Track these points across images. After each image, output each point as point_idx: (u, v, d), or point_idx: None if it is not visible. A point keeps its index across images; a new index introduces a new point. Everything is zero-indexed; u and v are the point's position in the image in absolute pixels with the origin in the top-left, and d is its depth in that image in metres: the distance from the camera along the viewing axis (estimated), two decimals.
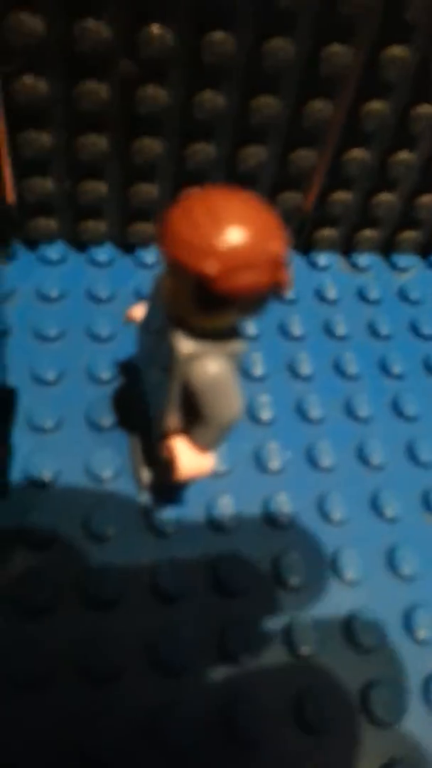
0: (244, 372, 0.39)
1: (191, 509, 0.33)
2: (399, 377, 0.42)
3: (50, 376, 0.36)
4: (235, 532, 0.33)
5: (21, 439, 0.33)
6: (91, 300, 0.40)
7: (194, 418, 0.26)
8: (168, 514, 0.32)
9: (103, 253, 0.42)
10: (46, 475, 0.32)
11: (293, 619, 0.31)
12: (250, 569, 0.32)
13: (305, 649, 0.30)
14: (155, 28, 0.30)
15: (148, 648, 0.29)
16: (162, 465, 0.30)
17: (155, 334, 0.28)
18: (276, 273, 0.22)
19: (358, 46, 0.33)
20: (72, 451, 0.34)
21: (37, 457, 0.33)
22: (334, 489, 0.36)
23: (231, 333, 0.25)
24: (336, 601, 0.32)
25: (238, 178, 0.39)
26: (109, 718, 0.27)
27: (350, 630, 0.31)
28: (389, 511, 0.35)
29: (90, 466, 0.33)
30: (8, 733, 0.26)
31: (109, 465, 0.33)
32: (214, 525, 0.33)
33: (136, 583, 0.30)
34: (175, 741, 0.27)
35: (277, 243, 0.22)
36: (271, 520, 0.34)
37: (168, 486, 0.32)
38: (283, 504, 0.34)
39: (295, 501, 0.34)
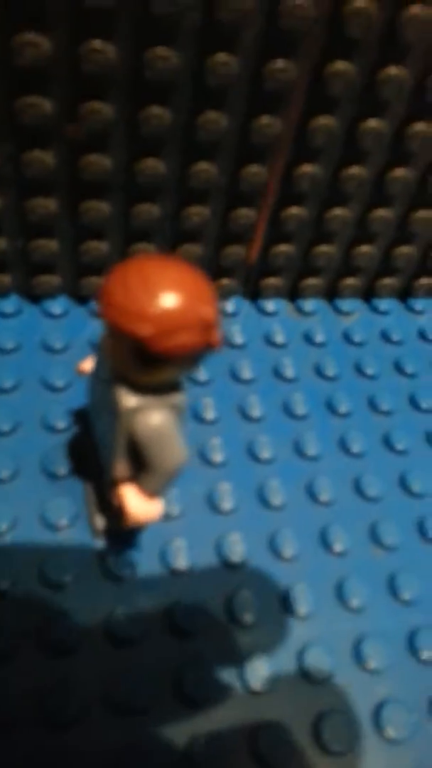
0: (196, 415, 0.41)
1: (146, 553, 0.34)
2: (345, 416, 0.44)
3: (5, 426, 0.37)
4: (189, 574, 0.34)
5: None
6: (46, 351, 0.42)
7: (141, 466, 0.28)
8: (123, 559, 0.33)
9: (57, 305, 0.44)
10: (2, 525, 0.33)
11: (247, 656, 0.32)
12: (204, 610, 0.33)
13: (258, 686, 0.31)
14: (96, 104, 0.32)
15: (107, 692, 0.30)
16: (114, 511, 0.32)
17: (103, 384, 0.29)
18: (207, 333, 0.24)
19: (286, 117, 0.36)
20: (28, 500, 0.35)
21: None
22: (285, 526, 0.37)
23: (172, 387, 0.27)
24: (288, 636, 0.33)
25: (183, 234, 0.41)
26: (70, 764, 0.28)
27: (302, 663, 0.32)
28: (338, 546, 0.37)
29: (45, 515, 0.34)
30: None
31: (65, 513, 0.34)
32: (168, 568, 0.34)
33: (93, 628, 0.31)
34: None
35: (208, 307, 0.24)
36: (224, 560, 0.35)
37: (121, 531, 0.33)
38: (236, 543, 0.36)
39: (247, 540, 0.36)
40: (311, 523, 0.38)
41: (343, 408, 0.44)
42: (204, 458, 0.39)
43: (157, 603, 0.33)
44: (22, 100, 0.31)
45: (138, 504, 0.28)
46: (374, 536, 0.38)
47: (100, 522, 0.34)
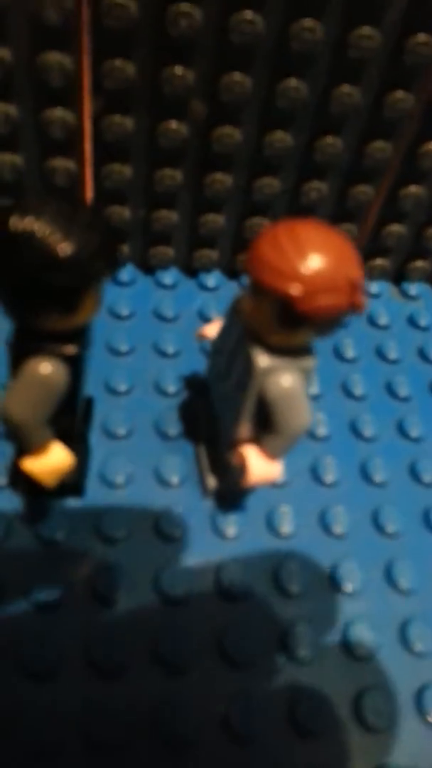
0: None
1: (252, 517, 0.35)
2: None
3: (122, 387, 0.39)
4: (293, 539, 0.35)
5: (97, 444, 0.36)
6: (159, 319, 0.44)
7: (266, 427, 0.29)
8: (231, 519, 0.34)
9: (169, 276, 0.46)
10: (120, 478, 0.35)
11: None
12: (306, 575, 0.34)
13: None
14: (236, 76, 0.33)
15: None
16: (230, 472, 0.33)
17: (229, 351, 0.30)
18: (353, 296, 0.24)
19: (419, 91, 0.35)
20: (142, 457, 0.36)
21: (111, 462, 0.35)
22: (386, 503, 0.37)
23: (304, 350, 0.27)
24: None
25: (299, 210, 0.41)
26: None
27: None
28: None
29: (159, 472, 0.36)
30: None
31: (177, 471, 0.36)
32: (275, 532, 0.35)
33: (202, 580, 0.32)
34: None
35: (355, 269, 0.24)
36: (327, 530, 0.35)
37: (235, 492, 0.34)
38: (339, 515, 0.36)
39: (350, 513, 0.36)
40: (414, 504, 0.38)
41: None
42: (309, 433, 0.39)
43: (262, 564, 0.33)
44: (167, 70, 0.32)
45: (260, 464, 0.29)
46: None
47: (212, 482, 0.35)
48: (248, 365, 0.28)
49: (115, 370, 0.40)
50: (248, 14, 0.31)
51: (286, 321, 0.25)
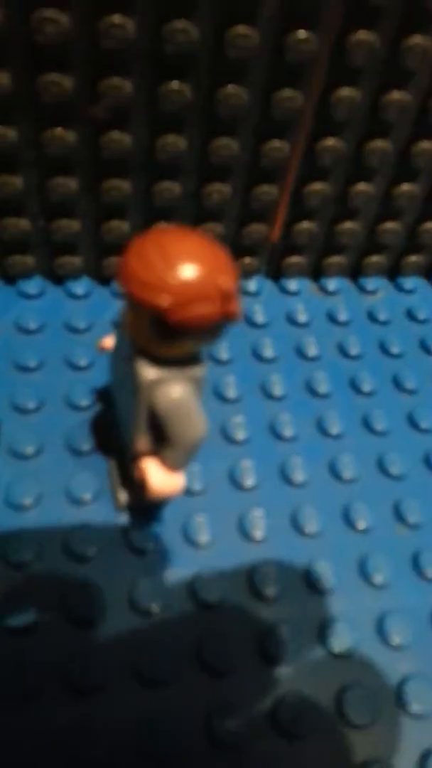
0: (218, 394, 0.41)
1: (168, 528, 0.34)
2: (369, 394, 0.43)
3: (30, 405, 0.38)
4: (211, 548, 0.34)
5: (2, 466, 0.35)
6: (70, 331, 0.42)
7: (162, 439, 0.28)
8: (146, 533, 0.34)
9: (80, 285, 0.45)
10: (27, 499, 0.34)
11: (268, 629, 0.32)
12: (226, 583, 0.33)
13: (279, 657, 0.31)
14: (116, 80, 0.32)
15: (130, 662, 0.30)
16: (136, 485, 0.32)
17: (124, 361, 0.29)
18: (226, 305, 0.24)
19: (307, 90, 0.35)
20: (53, 475, 0.35)
21: (18, 484, 0.34)
22: (307, 503, 0.37)
23: (191, 359, 0.27)
24: (310, 610, 0.33)
25: (204, 213, 0.41)
26: (93, 731, 0.28)
27: (325, 637, 0.32)
28: (361, 523, 0.37)
29: (70, 490, 0.35)
30: None
31: (89, 488, 0.35)
32: (191, 542, 0.34)
33: (116, 600, 0.32)
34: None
35: (226, 277, 0.24)
36: (246, 536, 0.35)
37: (144, 505, 0.34)
38: (258, 519, 0.36)
39: (269, 517, 0.36)
40: (334, 501, 0.38)
41: (366, 387, 0.44)
42: (226, 436, 0.39)
43: (180, 576, 0.33)
44: (43, 77, 0.31)
45: (160, 477, 0.29)
46: (398, 514, 0.38)
47: (123, 496, 0.34)
48: (136, 378, 0.27)
49: (22, 387, 0.39)
50: (117, 18, 0.30)
51: (163, 332, 0.24)
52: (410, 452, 0.41)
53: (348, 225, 0.45)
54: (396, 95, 0.37)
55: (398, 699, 0.31)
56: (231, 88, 0.34)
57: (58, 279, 0.44)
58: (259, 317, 0.46)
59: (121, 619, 0.31)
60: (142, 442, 0.29)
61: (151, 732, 0.28)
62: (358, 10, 0.32)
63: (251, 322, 0.46)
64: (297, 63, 0.34)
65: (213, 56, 0.33)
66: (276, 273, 0.48)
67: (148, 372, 0.26)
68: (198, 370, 0.27)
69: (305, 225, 0.44)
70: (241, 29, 0.31)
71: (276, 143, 0.37)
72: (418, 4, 0.32)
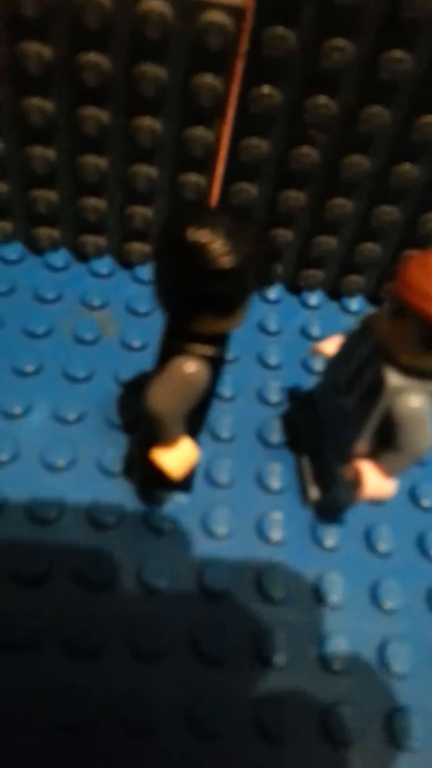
0: None
1: (351, 531, 0.36)
2: None
3: (227, 393, 0.41)
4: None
5: (204, 446, 0.38)
6: (262, 332, 0.45)
7: (386, 445, 0.30)
8: (330, 531, 0.35)
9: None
10: (225, 479, 0.36)
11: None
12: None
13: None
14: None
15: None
16: (337, 485, 0.34)
17: (356, 368, 0.31)
18: None
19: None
20: (245, 460, 0.38)
21: (216, 463, 0.37)
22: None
23: None
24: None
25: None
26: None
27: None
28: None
29: (261, 477, 0.37)
30: None
31: (278, 477, 0.37)
32: (373, 548, 0.35)
33: (301, 584, 0.33)
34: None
35: None
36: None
37: (334, 505, 0.35)
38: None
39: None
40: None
41: None
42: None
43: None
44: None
45: (376, 481, 0.30)
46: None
47: (314, 493, 0.36)
48: (378, 383, 0.29)
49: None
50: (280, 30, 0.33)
51: (427, 343, 0.26)
52: None
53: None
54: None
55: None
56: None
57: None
58: None
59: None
60: (363, 444, 0.31)
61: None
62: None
63: None
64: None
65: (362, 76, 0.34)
66: None
67: (394, 378, 0.28)
68: None
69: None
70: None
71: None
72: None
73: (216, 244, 0.23)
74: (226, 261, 0.23)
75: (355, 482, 0.31)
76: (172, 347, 0.27)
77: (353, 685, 0.32)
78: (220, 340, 0.27)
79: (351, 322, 0.46)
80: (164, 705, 0.30)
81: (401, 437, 0.29)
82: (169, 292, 0.26)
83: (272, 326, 0.45)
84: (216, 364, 0.27)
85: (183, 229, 0.23)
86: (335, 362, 0.34)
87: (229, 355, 0.42)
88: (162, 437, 0.29)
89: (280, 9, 0.32)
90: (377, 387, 0.29)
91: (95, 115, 0.37)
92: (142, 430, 0.35)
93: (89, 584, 0.32)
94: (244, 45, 0.34)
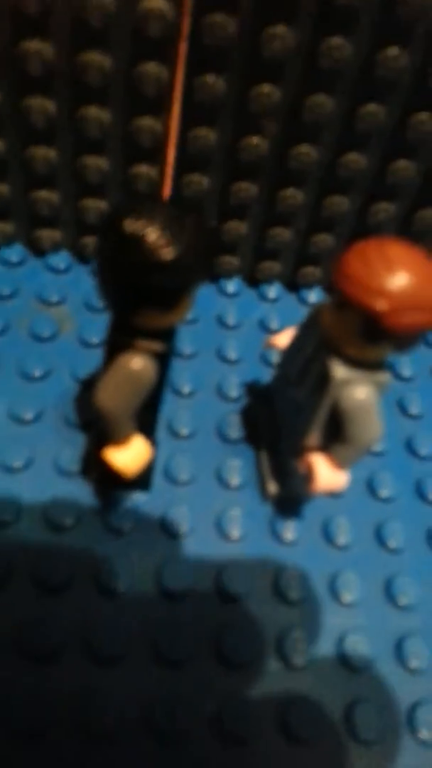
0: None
1: (308, 523, 0.36)
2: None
3: (186, 389, 0.40)
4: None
5: (163, 443, 0.37)
6: (221, 326, 0.45)
7: (336, 437, 0.29)
8: (289, 524, 0.35)
9: (232, 285, 0.47)
10: (183, 476, 0.36)
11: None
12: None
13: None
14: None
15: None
16: (293, 478, 0.34)
17: (304, 360, 0.31)
18: None
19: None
20: (204, 457, 0.37)
21: (175, 460, 0.37)
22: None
23: (379, 365, 0.28)
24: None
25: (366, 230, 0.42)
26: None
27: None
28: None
29: (220, 473, 0.37)
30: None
31: (238, 473, 0.37)
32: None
33: (260, 581, 0.34)
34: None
35: None
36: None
37: (293, 499, 0.35)
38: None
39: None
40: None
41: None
42: None
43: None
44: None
45: (327, 473, 0.30)
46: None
47: (273, 487, 0.36)
48: (324, 375, 0.29)
49: (180, 373, 0.41)
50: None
51: (369, 335, 0.26)
52: None
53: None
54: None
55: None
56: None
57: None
58: None
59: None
60: (315, 437, 0.30)
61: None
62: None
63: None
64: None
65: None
66: None
67: (340, 371, 0.28)
68: (384, 376, 0.28)
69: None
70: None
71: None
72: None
73: (153, 236, 0.23)
74: (165, 253, 0.23)
75: (309, 475, 0.31)
76: (118, 343, 0.27)
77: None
78: (166, 335, 0.27)
79: None
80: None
81: (349, 429, 0.29)
82: (110, 286, 0.25)
83: (231, 320, 0.45)
84: (163, 359, 0.27)
85: (120, 220, 0.23)
86: (286, 355, 0.34)
87: (188, 350, 0.43)
88: (113, 436, 0.29)
89: None
90: (324, 379, 0.29)
91: (41, 104, 0.36)
92: (97, 428, 0.35)
93: (47, 586, 0.32)
94: (185, 32, 0.33)
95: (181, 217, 0.23)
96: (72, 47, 0.34)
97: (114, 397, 0.27)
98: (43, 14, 0.32)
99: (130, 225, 0.23)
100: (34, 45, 0.33)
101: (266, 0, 0.32)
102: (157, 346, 0.27)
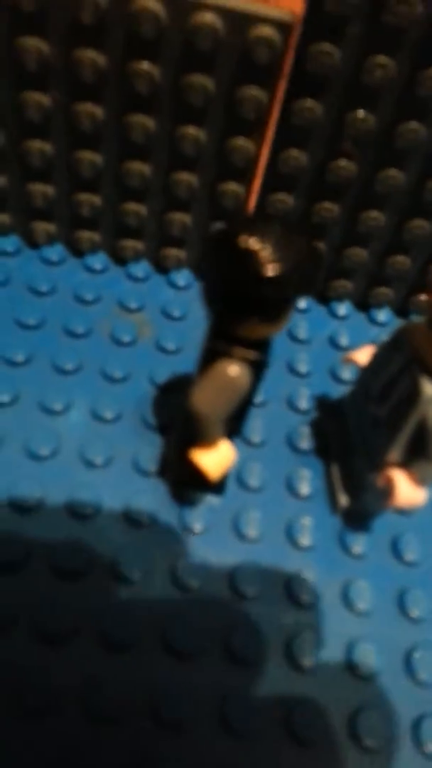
0: None
1: (376, 539, 0.36)
2: None
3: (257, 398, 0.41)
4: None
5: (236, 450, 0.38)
6: (292, 340, 0.46)
7: (419, 454, 0.30)
8: (358, 538, 0.36)
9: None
10: (256, 482, 0.37)
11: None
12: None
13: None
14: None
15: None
16: (366, 492, 0.34)
17: (389, 377, 0.32)
18: None
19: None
20: (275, 465, 0.38)
21: (247, 467, 0.38)
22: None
23: None
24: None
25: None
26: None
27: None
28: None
29: (290, 482, 0.38)
30: None
31: (308, 483, 0.38)
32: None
33: (328, 591, 0.34)
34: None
35: None
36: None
37: (362, 513, 0.36)
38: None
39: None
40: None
41: None
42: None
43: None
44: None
45: (407, 489, 0.31)
46: None
47: (344, 500, 0.36)
48: (412, 393, 0.29)
49: None
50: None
51: None
52: None
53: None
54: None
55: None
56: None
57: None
58: None
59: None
60: (395, 453, 0.31)
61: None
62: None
63: None
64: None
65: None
66: None
67: (430, 389, 0.29)
68: None
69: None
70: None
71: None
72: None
73: (266, 252, 0.24)
74: (274, 268, 0.24)
75: (387, 490, 0.31)
76: (215, 350, 0.28)
77: (377, 691, 0.32)
78: (262, 345, 0.28)
79: (378, 333, 0.48)
80: (197, 703, 0.30)
81: None
82: (217, 295, 0.26)
83: (302, 334, 0.46)
84: (258, 369, 0.28)
85: (235, 235, 0.24)
86: (367, 372, 0.35)
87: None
88: (203, 438, 0.30)
89: (327, 25, 0.33)
90: (412, 397, 0.29)
91: (142, 122, 0.38)
92: (179, 431, 0.36)
93: (125, 580, 0.33)
94: (289, 59, 0.35)
95: (291, 235, 0.25)
96: (178, 69, 0.35)
97: (210, 400, 0.28)
98: (155, 37, 0.34)
99: (245, 240, 0.24)
100: (145, 66, 0.35)
101: (373, 31, 0.33)
102: (254, 355, 0.28)
